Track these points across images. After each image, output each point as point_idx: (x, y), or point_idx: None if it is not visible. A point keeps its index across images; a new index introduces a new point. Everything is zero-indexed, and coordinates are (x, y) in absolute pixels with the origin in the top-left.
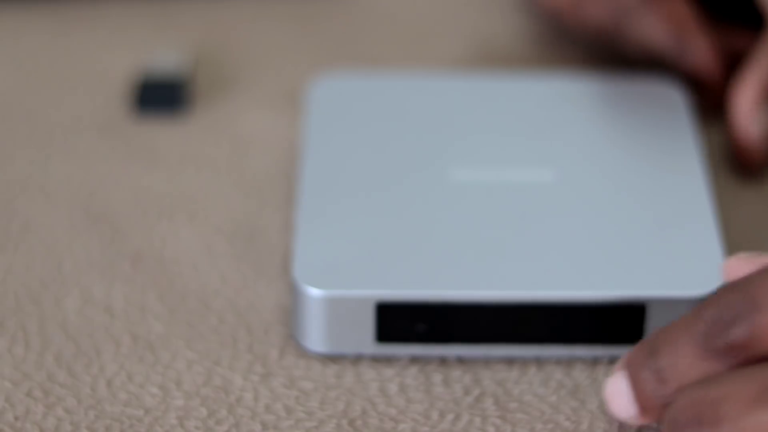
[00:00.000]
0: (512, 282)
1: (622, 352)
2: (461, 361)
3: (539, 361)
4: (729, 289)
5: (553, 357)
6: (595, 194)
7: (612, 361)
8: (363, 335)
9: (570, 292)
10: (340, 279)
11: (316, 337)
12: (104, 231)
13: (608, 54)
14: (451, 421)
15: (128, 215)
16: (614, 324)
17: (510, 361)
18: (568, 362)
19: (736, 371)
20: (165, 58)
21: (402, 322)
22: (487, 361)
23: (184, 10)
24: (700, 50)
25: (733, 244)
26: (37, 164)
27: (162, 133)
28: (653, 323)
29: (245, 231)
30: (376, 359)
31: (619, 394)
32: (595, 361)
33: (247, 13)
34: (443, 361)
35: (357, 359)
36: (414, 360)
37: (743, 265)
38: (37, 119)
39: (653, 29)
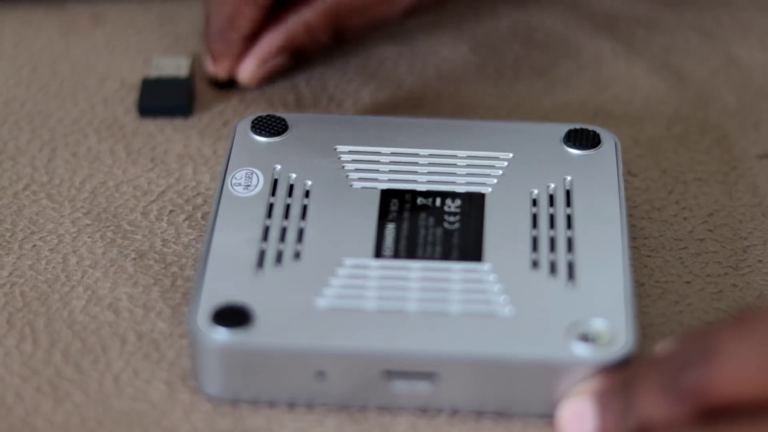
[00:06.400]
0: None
1: None
2: None
3: None
4: (693, 332)
5: None
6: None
7: None
8: None
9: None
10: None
11: None
12: (107, 231)
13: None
14: (449, 415)
15: (130, 215)
16: None
17: None
18: None
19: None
20: (166, 58)
21: None
22: None
23: (185, 11)
24: None
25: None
26: (40, 164)
27: (163, 133)
28: None
29: None
30: None
31: (579, 417)
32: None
33: None
34: None
35: None
36: None
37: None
38: (40, 120)
39: None
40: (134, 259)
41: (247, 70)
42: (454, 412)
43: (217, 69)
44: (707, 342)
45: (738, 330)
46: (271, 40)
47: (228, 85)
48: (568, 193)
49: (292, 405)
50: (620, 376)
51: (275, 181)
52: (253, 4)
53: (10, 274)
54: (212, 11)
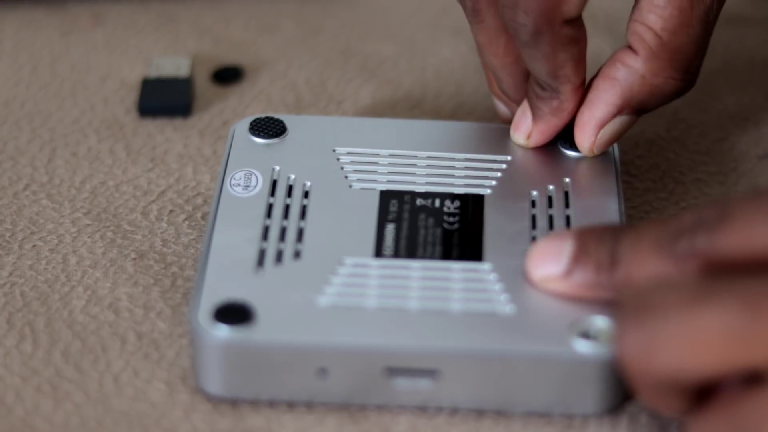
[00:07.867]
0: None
1: None
2: None
3: None
4: (711, 203)
5: None
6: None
7: None
8: None
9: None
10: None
11: None
12: (107, 231)
13: None
14: (449, 415)
15: (130, 215)
16: None
17: None
18: None
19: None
20: (166, 58)
21: None
22: None
23: (185, 11)
24: None
25: None
26: (40, 164)
27: (163, 133)
28: None
29: None
30: None
31: (554, 251)
32: None
33: (246, 12)
34: None
35: None
36: None
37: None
38: (40, 120)
39: None
40: (134, 259)
41: (587, 140)
42: (454, 412)
43: (537, 135)
44: (722, 209)
45: (754, 201)
46: (606, 98)
47: (230, 79)
48: (566, 195)
49: (292, 405)
50: (613, 227)
51: (274, 182)
52: (574, 41)
53: (10, 274)
54: (506, 66)
